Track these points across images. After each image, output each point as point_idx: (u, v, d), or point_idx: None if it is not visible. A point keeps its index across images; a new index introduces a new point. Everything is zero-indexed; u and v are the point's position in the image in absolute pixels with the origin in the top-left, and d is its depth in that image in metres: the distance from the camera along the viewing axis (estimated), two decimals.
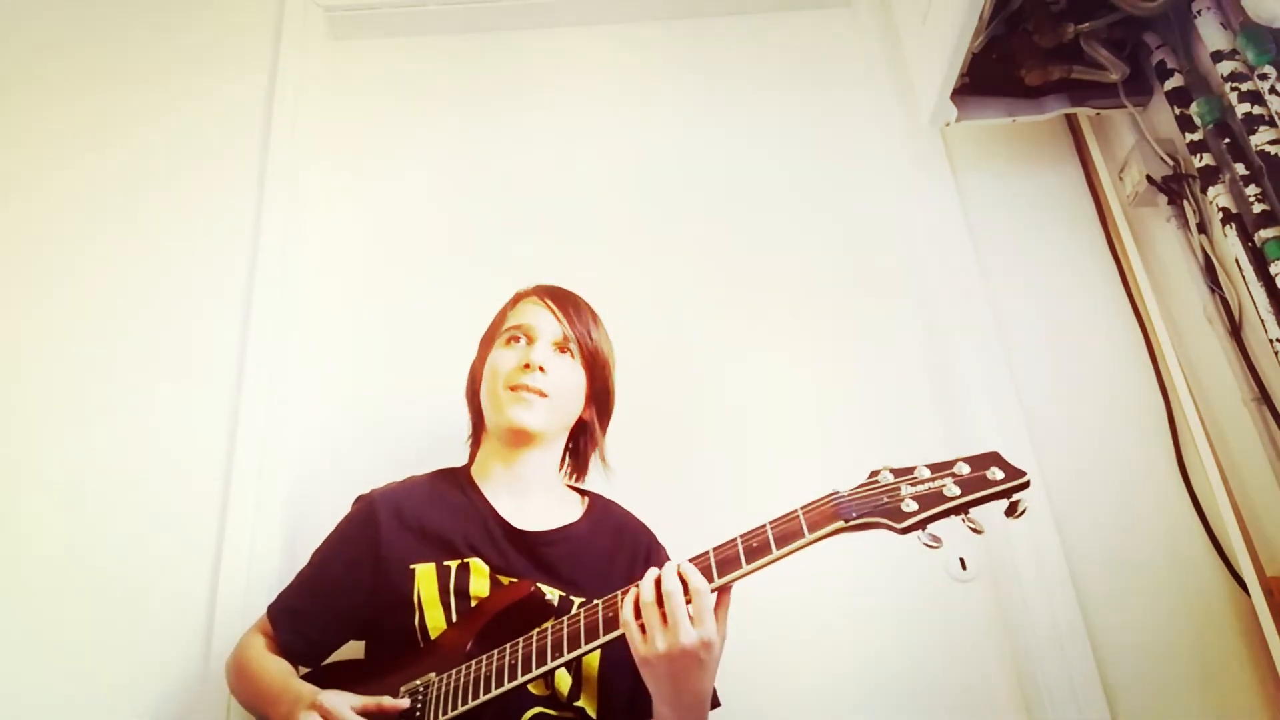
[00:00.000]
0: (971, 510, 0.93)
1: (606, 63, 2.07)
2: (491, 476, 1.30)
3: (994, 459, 0.95)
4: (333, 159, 1.95)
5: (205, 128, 1.93)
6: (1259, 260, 1.36)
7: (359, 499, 1.29)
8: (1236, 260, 1.39)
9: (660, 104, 2.01)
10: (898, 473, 0.97)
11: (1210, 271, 1.52)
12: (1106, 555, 1.52)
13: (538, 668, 1.01)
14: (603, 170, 1.93)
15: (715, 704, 1.20)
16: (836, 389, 1.72)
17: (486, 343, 1.38)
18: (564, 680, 1.12)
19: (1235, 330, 1.47)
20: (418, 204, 1.91)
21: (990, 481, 0.93)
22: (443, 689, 1.05)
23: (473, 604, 1.15)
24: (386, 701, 1.04)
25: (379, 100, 2.03)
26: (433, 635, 1.13)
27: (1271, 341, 1.32)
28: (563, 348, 1.31)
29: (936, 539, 0.92)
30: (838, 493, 0.98)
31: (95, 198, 1.86)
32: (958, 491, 0.93)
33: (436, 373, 1.70)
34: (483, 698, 1.02)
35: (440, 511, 1.23)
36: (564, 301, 1.35)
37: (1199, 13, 1.47)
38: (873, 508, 0.95)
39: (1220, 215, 1.43)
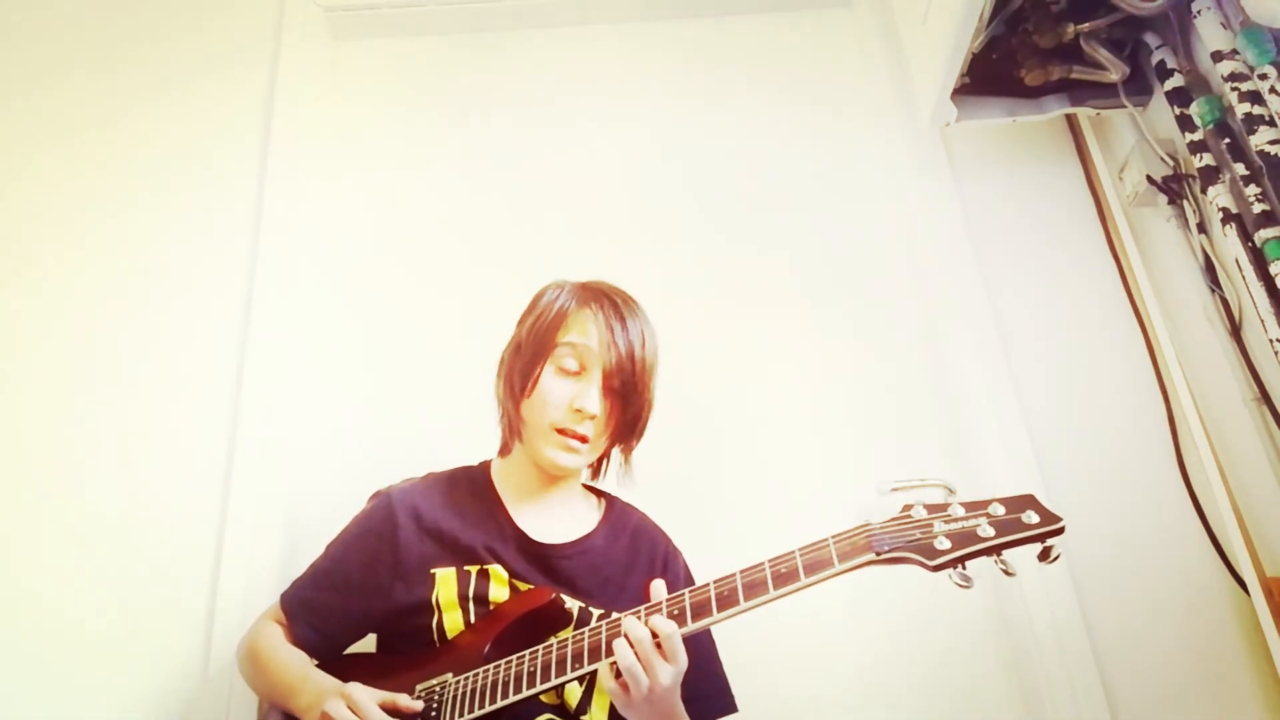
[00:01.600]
0: (1004, 552, 0.94)
1: (606, 63, 2.07)
2: (515, 489, 1.28)
3: (1030, 502, 0.94)
4: (333, 159, 1.95)
5: (205, 127, 1.93)
6: (1259, 260, 1.36)
7: (376, 495, 1.28)
8: (1236, 260, 1.39)
9: (660, 104, 2.01)
10: (931, 509, 0.97)
11: (1210, 271, 1.52)
12: (1106, 555, 1.52)
13: (557, 677, 1.02)
14: (603, 170, 1.93)
15: (734, 709, 1.23)
16: (836, 388, 1.72)
17: (539, 343, 1.25)
18: (573, 693, 1.13)
19: (1235, 330, 1.47)
20: (418, 203, 1.91)
21: (1025, 525, 0.92)
22: (458, 691, 1.05)
23: (492, 609, 1.15)
24: (403, 701, 1.05)
25: (379, 100, 2.03)
26: (450, 637, 1.13)
27: (1271, 341, 1.33)
28: (610, 386, 1.23)
29: (967, 578, 0.93)
30: (870, 524, 0.98)
31: (94, 198, 1.85)
32: (992, 533, 0.92)
33: (437, 373, 1.71)
34: (499, 703, 1.02)
35: (459, 517, 1.23)
36: (618, 321, 1.24)
37: (1199, 13, 1.47)
38: (905, 543, 0.95)
39: (1220, 215, 1.43)
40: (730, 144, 1.96)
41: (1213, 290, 1.51)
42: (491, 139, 1.97)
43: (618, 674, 0.98)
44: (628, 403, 1.25)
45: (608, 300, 1.27)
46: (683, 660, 0.98)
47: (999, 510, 0.94)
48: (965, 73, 1.64)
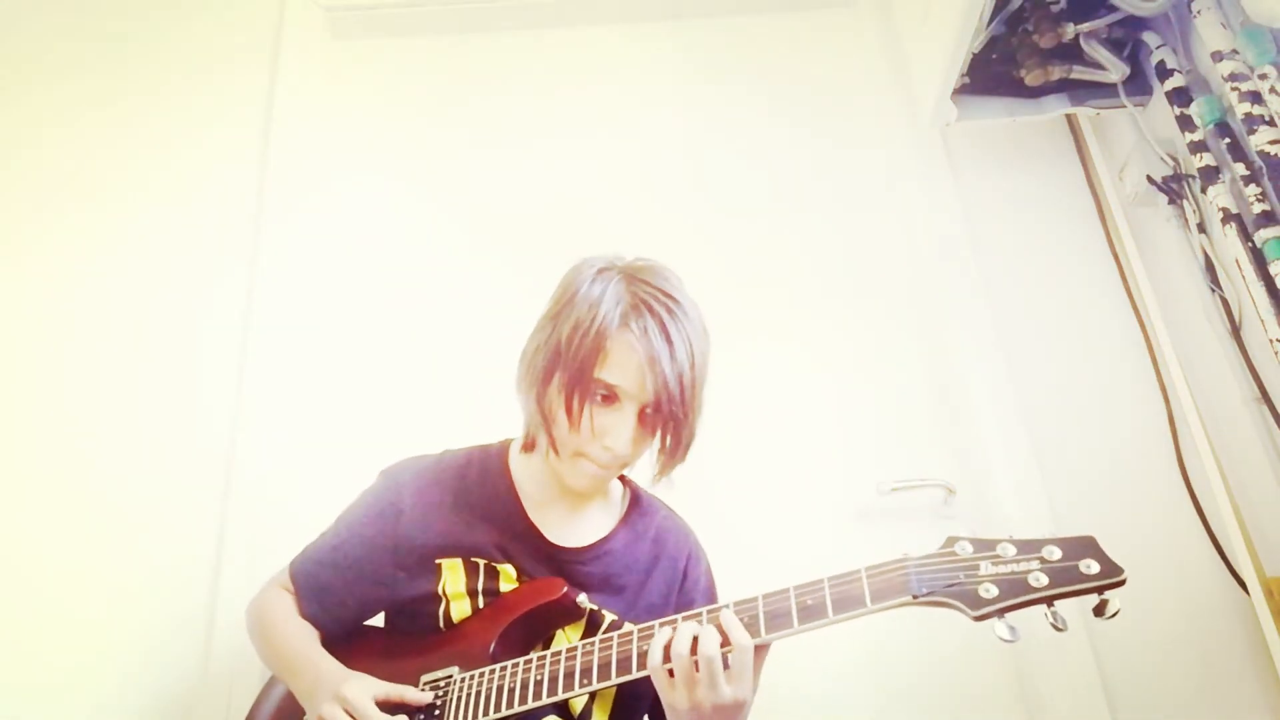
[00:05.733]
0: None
1: (606, 63, 2.07)
2: (536, 485, 1.19)
3: (1090, 546, 0.85)
4: (333, 158, 1.95)
5: (206, 127, 1.93)
6: (1259, 260, 1.36)
7: (384, 472, 1.24)
8: (1236, 260, 1.39)
9: (660, 104, 2.01)
10: (978, 545, 0.87)
11: (1210, 271, 1.52)
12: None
13: (564, 691, 0.98)
14: (602, 169, 1.93)
15: None
16: (835, 388, 1.71)
17: (581, 369, 1.06)
18: (576, 700, 1.09)
19: (1235, 330, 1.47)
20: (418, 202, 1.91)
21: (1084, 576, 0.83)
22: (465, 691, 1.03)
23: (500, 596, 1.11)
24: (410, 695, 1.02)
25: (379, 100, 2.03)
26: (457, 622, 1.10)
27: (1271, 341, 1.33)
28: (644, 414, 1.08)
29: (1013, 630, 0.84)
30: (908, 558, 0.90)
31: (94, 197, 1.85)
32: (1045, 581, 0.83)
33: (438, 372, 1.71)
34: (504, 712, 0.99)
35: (469, 510, 1.17)
36: (665, 342, 1.05)
37: (1199, 13, 1.47)
38: (946, 585, 0.86)
39: (1220, 215, 1.43)
40: (729, 143, 1.96)
41: (1213, 290, 1.51)
42: (491, 139, 1.97)
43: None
44: (671, 425, 1.09)
45: (654, 315, 1.07)
46: (745, 688, 0.89)
47: (1054, 554, 0.84)
48: (965, 73, 1.65)
